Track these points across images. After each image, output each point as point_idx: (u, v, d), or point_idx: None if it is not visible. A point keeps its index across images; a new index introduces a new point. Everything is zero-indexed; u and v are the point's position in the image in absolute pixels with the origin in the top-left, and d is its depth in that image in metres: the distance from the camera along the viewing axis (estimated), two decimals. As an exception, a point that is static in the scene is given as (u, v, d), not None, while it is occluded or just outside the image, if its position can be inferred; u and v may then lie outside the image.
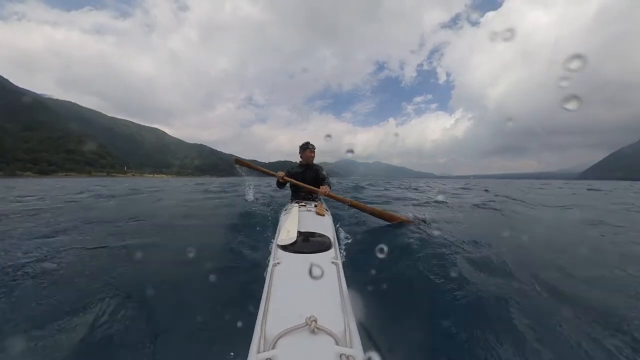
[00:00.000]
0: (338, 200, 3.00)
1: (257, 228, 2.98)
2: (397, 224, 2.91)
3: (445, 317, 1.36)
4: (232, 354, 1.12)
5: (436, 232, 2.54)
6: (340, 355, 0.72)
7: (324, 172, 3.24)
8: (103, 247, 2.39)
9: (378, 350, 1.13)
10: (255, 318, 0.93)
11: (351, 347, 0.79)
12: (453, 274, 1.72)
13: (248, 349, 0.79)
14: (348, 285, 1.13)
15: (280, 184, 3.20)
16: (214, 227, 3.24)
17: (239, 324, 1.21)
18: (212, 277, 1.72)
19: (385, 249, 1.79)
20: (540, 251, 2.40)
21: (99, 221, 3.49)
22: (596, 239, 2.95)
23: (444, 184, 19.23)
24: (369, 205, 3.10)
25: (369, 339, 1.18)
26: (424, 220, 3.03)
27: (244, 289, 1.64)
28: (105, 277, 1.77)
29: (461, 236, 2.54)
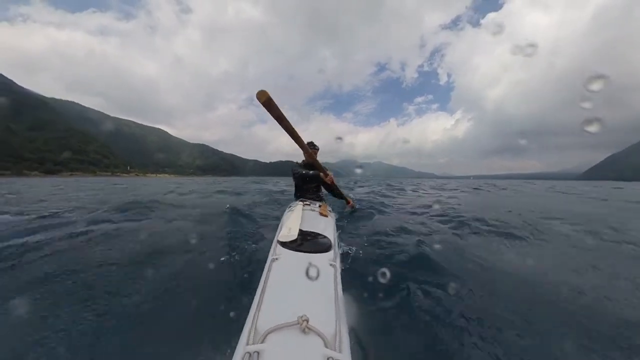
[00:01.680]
0: (341, 195, 3.48)
1: (260, 222, 3.19)
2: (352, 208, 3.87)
3: (441, 331, 1.31)
4: (223, 345, 1.13)
5: (436, 247, 2.42)
6: (328, 359, 0.72)
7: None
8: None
9: (366, 358, 1.14)
10: (249, 311, 0.93)
11: (340, 351, 0.79)
12: (456, 289, 1.67)
13: (237, 341, 0.80)
14: (343, 290, 1.14)
15: (306, 166, 3.09)
16: (215, 218, 3.54)
17: (232, 314, 1.24)
18: (211, 266, 1.74)
19: (387, 258, 1.99)
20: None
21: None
22: None
23: (446, 184, 18.20)
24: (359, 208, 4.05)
25: (359, 345, 1.15)
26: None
27: (241, 280, 1.64)
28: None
29: (469, 252, 2.39)
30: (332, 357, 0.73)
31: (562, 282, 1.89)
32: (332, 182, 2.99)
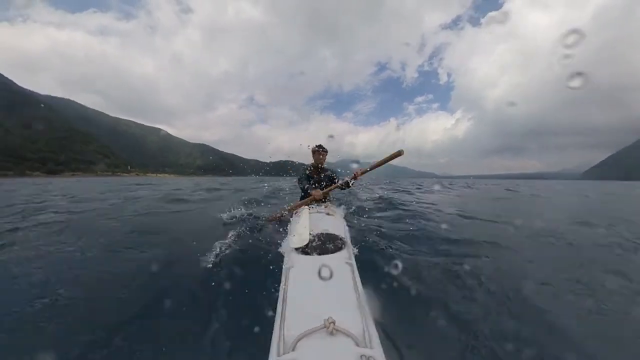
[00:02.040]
0: (342, 187, 2.97)
1: (267, 232, 2.84)
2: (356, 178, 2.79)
3: (466, 313, 1.33)
4: (251, 358, 1.11)
5: (444, 226, 2.48)
6: (361, 357, 0.72)
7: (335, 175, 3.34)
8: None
9: (397, 349, 1.14)
10: (273, 322, 0.93)
11: (371, 347, 0.79)
12: (469, 270, 1.73)
13: (267, 353, 0.80)
14: (363, 285, 1.14)
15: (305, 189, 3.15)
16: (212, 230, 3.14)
17: (256, 328, 1.21)
18: (227, 285, 1.68)
19: (399, 247, 2.03)
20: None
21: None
22: None
23: (450, 185, 16.68)
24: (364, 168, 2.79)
25: (388, 338, 1.15)
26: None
27: (258, 293, 1.60)
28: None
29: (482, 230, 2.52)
30: (364, 355, 0.73)
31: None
32: (319, 197, 2.79)
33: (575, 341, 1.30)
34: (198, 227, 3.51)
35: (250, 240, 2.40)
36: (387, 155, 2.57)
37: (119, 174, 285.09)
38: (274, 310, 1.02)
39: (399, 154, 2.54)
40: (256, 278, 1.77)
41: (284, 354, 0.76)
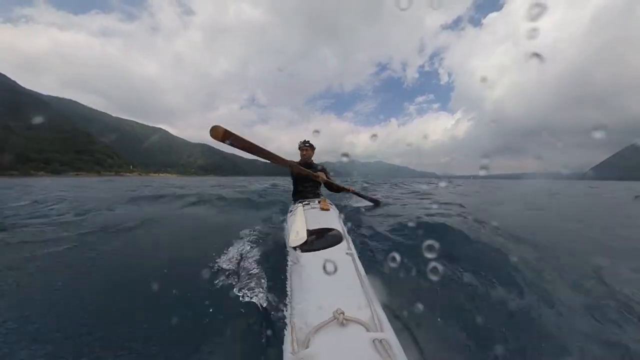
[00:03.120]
0: (339, 188, 3.26)
1: (263, 233, 2.75)
2: (375, 203, 4.08)
3: (469, 290, 1.35)
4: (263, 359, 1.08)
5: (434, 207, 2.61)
6: (374, 340, 0.74)
7: (322, 167, 3.29)
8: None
9: (408, 329, 1.15)
10: (284, 322, 0.93)
11: (382, 331, 0.81)
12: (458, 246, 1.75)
13: (280, 353, 0.81)
14: (367, 273, 1.17)
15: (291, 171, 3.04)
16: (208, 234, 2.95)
17: (269, 331, 1.19)
18: (233, 293, 1.58)
19: (394, 232, 2.10)
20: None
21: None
22: None
23: (457, 187, 12.45)
24: (362, 192, 4.00)
25: (397, 320, 1.17)
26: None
27: (264, 295, 1.54)
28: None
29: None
30: (377, 338, 0.75)
31: None
32: (324, 179, 2.98)
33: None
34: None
35: (261, 241, 2.38)
36: (369, 196, 4.07)
37: (121, 173, 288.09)
38: (283, 310, 1.05)
39: (377, 203, 4.11)
40: (266, 277, 1.70)
41: (298, 351, 0.77)
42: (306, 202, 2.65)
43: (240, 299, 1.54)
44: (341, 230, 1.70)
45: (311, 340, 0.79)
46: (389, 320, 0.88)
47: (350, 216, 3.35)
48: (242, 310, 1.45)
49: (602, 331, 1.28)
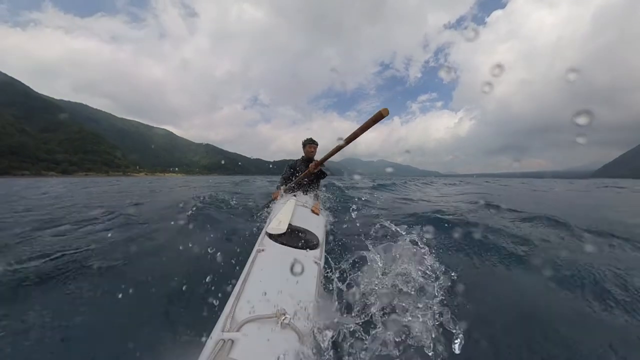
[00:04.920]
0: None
1: (252, 211, 3.07)
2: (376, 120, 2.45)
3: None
4: (201, 331, 1.03)
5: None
6: (300, 353, 0.73)
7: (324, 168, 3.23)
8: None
9: (340, 357, 1.09)
10: (228, 298, 0.93)
11: (313, 349, 0.80)
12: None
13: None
14: (324, 288, 1.15)
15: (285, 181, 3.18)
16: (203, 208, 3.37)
17: (216, 302, 1.16)
18: (196, 250, 1.68)
19: (373, 258, 1.53)
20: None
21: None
22: None
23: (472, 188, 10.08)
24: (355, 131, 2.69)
25: (334, 345, 1.09)
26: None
27: (223, 268, 1.54)
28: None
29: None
30: (304, 353, 0.74)
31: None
32: (316, 164, 2.78)
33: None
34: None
35: (230, 216, 2.57)
36: (370, 119, 1.95)
37: (129, 173, 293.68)
38: (233, 287, 1.03)
39: (380, 115, 1.83)
40: (224, 252, 1.68)
41: (228, 331, 0.77)
42: (300, 198, 2.59)
43: (195, 267, 1.62)
44: (320, 239, 1.68)
45: (245, 326, 0.79)
46: (326, 343, 0.88)
47: (341, 231, 2.79)
48: (192, 278, 1.52)
49: None
